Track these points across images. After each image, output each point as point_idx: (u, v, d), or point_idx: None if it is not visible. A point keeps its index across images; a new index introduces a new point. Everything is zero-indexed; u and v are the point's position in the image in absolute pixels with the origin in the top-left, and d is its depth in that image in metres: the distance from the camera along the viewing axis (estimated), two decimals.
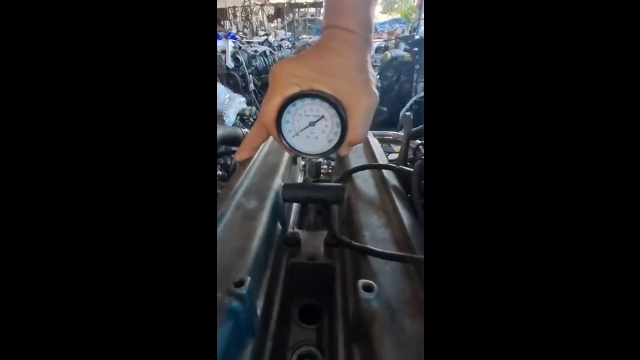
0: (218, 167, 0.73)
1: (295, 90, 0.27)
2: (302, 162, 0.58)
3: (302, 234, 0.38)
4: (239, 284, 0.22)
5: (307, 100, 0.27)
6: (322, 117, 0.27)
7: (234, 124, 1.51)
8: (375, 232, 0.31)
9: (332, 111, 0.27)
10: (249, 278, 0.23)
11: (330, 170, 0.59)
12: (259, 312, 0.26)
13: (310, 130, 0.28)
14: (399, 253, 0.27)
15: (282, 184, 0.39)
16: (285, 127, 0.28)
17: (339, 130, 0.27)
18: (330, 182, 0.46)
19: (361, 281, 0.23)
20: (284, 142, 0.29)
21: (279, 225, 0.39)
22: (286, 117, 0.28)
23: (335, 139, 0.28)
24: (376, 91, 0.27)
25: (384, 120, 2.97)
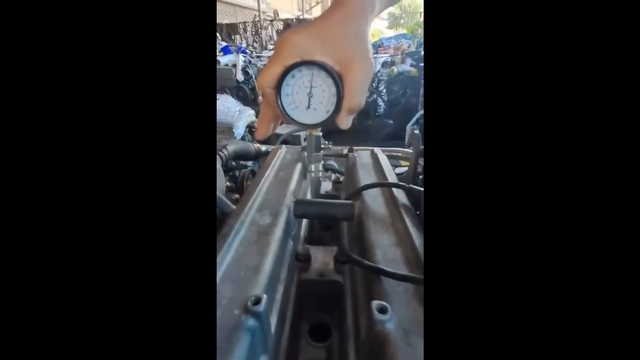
0: (226, 177, 0.75)
1: (296, 60, 0.28)
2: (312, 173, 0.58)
3: (312, 250, 0.38)
4: (256, 301, 0.23)
5: (305, 72, 0.29)
6: (320, 88, 0.29)
7: (243, 136, 1.54)
8: (386, 252, 0.32)
9: (330, 81, 0.29)
10: (265, 296, 0.23)
11: (338, 185, 0.60)
12: (272, 329, 0.27)
13: (309, 102, 0.30)
14: (411, 274, 0.27)
15: (294, 199, 0.40)
16: (285, 100, 0.30)
17: (335, 100, 0.29)
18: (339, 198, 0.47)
19: (375, 302, 0.23)
20: (282, 110, 0.30)
21: (290, 241, 0.39)
22: (286, 89, 0.30)
23: (332, 109, 0.30)
24: (372, 58, 0.29)
25: (390, 133, 3.00)
